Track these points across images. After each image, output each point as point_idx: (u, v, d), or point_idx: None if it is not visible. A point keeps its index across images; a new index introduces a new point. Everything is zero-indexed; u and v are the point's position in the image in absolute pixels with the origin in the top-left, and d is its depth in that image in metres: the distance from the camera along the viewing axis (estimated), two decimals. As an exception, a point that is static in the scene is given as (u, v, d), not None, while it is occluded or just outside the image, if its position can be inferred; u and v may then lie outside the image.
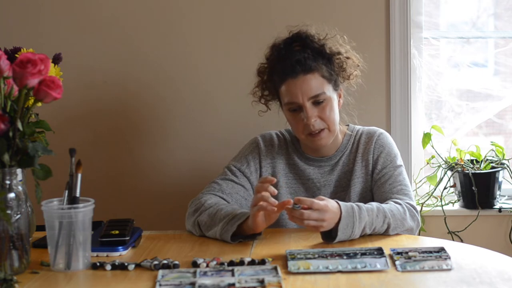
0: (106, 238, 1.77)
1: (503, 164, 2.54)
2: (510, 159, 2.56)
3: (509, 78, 2.73)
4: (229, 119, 2.56)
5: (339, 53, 2.07)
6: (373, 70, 2.40)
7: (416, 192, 2.59)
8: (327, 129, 2.02)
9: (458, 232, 2.54)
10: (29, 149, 1.57)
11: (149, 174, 2.60)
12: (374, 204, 1.88)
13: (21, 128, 1.57)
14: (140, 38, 2.56)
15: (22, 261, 1.61)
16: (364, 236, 1.85)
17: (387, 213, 1.86)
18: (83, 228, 1.63)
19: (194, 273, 1.56)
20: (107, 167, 2.60)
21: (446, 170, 2.56)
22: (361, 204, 1.86)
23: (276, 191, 1.80)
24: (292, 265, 1.60)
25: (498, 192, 2.54)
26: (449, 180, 2.57)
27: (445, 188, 2.57)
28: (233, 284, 1.48)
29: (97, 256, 1.73)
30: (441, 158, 2.58)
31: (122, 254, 1.76)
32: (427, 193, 2.59)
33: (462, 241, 2.50)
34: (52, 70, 1.84)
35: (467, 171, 2.50)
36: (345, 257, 1.65)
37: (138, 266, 1.65)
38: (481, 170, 2.52)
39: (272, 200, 1.77)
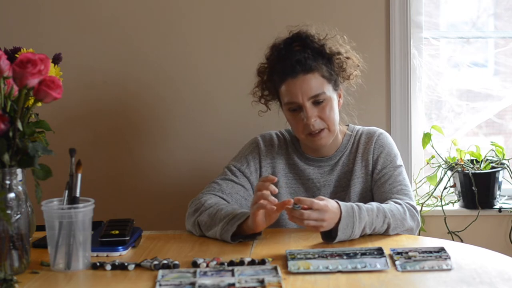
0: (106, 238, 1.77)
1: (503, 164, 2.54)
2: (510, 159, 2.56)
3: (509, 78, 2.73)
4: (229, 119, 2.56)
5: (339, 53, 2.08)
6: (373, 70, 2.40)
7: (416, 192, 2.59)
8: (327, 129, 2.02)
9: (458, 232, 2.54)
10: (29, 149, 1.57)
11: (149, 174, 2.60)
12: (374, 204, 1.88)
13: (21, 128, 1.57)
14: (140, 38, 2.56)
15: (22, 261, 1.61)
16: (364, 236, 1.85)
17: (387, 213, 1.86)
18: (83, 228, 1.63)
19: (194, 273, 1.56)
20: (107, 167, 2.60)
21: (446, 170, 2.57)
22: (361, 204, 1.86)
23: (276, 190, 1.80)
24: (292, 265, 1.60)
25: (498, 192, 2.54)
26: (449, 180, 2.57)
27: (445, 188, 2.57)
28: (233, 284, 1.48)
29: (97, 256, 1.73)
30: (441, 158, 2.58)
31: (122, 254, 1.76)
32: (427, 193, 2.59)
33: (462, 241, 2.50)
34: (52, 70, 1.84)
35: (467, 171, 2.50)
36: (345, 257, 1.65)
37: (138, 266, 1.65)
38: (481, 170, 2.52)
39: (272, 198, 1.77)
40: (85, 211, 1.63)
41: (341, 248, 1.72)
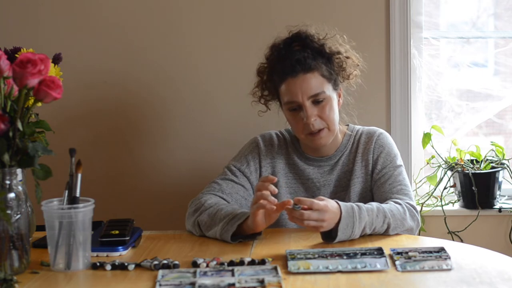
0: (106, 238, 1.77)
1: (503, 164, 2.54)
2: (510, 159, 2.56)
3: (509, 78, 2.73)
4: (229, 119, 2.56)
5: (338, 53, 2.08)
6: (373, 70, 2.40)
7: (416, 192, 2.59)
8: (326, 128, 2.02)
9: (458, 232, 2.54)
10: (29, 149, 1.57)
11: (149, 174, 2.60)
12: (374, 204, 1.88)
13: (21, 128, 1.57)
14: (140, 38, 2.56)
15: (22, 261, 1.61)
16: (364, 236, 1.85)
17: (387, 213, 1.86)
18: (83, 228, 1.63)
19: (194, 273, 1.56)
20: (107, 167, 2.60)
21: (446, 170, 2.56)
22: (361, 204, 1.86)
23: (276, 190, 1.80)
24: (292, 265, 1.60)
25: (498, 192, 2.54)
26: (449, 180, 2.57)
27: (445, 188, 2.57)
28: (233, 284, 1.48)
29: (97, 256, 1.73)
30: (441, 158, 2.58)
31: (122, 254, 1.76)
32: (427, 193, 2.59)
33: (462, 241, 2.50)
34: (52, 70, 1.84)
35: (467, 171, 2.50)
36: (345, 257, 1.65)
37: (138, 266, 1.65)
38: (481, 170, 2.52)
39: (272, 198, 1.77)
40: (85, 211, 1.63)
41: (341, 248, 1.72)
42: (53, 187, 1.77)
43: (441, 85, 2.65)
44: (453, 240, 2.49)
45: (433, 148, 2.57)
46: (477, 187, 2.49)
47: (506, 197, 2.62)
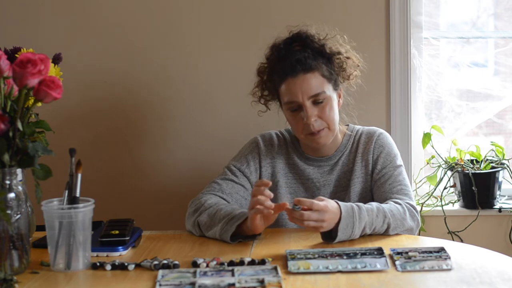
0: (106, 238, 1.77)
1: (503, 164, 2.54)
2: (510, 159, 2.56)
3: (509, 78, 2.73)
4: (229, 119, 2.56)
5: (339, 53, 2.08)
6: (373, 70, 2.40)
7: (416, 192, 2.59)
8: (327, 128, 2.02)
9: (458, 232, 2.54)
10: (29, 149, 1.57)
11: (149, 174, 2.60)
12: (374, 204, 1.88)
13: (21, 128, 1.57)
14: (140, 38, 2.56)
15: (22, 261, 1.61)
16: (364, 236, 1.85)
17: (387, 213, 1.86)
18: (83, 228, 1.63)
19: (194, 273, 1.56)
20: (107, 167, 2.60)
21: (446, 170, 2.56)
22: (361, 204, 1.86)
23: (272, 195, 1.79)
24: (292, 265, 1.60)
25: (498, 192, 2.54)
26: (449, 180, 2.57)
27: (445, 188, 2.57)
28: (233, 284, 1.48)
29: (97, 256, 1.73)
30: (441, 158, 2.58)
31: (122, 254, 1.76)
32: (427, 193, 2.59)
33: (462, 241, 2.50)
34: (52, 70, 1.84)
35: (467, 171, 2.50)
36: (345, 257, 1.65)
37: (138, 266, 1.65)
38: (481, 170, 2.52)
39: (269, 203, 1.77)
40: (85, 211, 1.63)
41: (341, 248, 1.72)
42: (53, 187, 1.77)
43: (441, 85, 2.65)
44: (453, 240, 2.49)
45: (433, 148, 2.57)
46: (477, 187, 2.49)
47: (506, 197, 2.62)
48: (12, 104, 1.59)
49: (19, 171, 1.68)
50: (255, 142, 2.14)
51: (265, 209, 1.77)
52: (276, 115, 2.17)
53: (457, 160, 2.55)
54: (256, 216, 1.79)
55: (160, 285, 1.50)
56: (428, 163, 2.60)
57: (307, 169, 2.11)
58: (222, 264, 1.63)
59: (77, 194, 1.66)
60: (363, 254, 1.66)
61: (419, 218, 1.96)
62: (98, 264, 1.64)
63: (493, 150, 2.57)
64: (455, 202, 2.60)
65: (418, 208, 2.41)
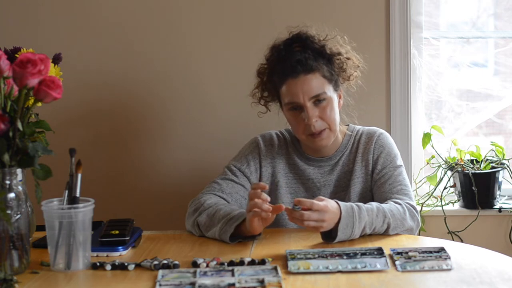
0: (106, 238, 1.77)
1: (503, 164, 2.54)
2: (510, 159, 2.56)
3: (509, 78, 2.73)
4: (229, 119, 2.56)
5: (339, 54, 2.07)
6: (373, 70, 2.40)
7: (416, 192, 2.59)
8: (328, 129, 2.02)
9: (458, 232, 2.54)
10: (29, 149, 1.57)
11: (149, 174, 2.60)
12: (374, 204, 1.88)
13: (21, 128, 1.57)
14: (140, 38, 2.56)
15: (22, 261, 1.61)
16: (364, 236, 1.85)
17: (387, 213, 1.86)
18: (83, 228, 1.63)
19: (194, 273, 1.56)
20: (107, 167, 2.60)
21: (446, 170, 2.56)
22: (361, 204, 1.86)
23: (269, 198, 1.79)
24: (292, 265, 1.60)
25: (498, 192, 2.54)
26: (449, 180, 2.57)
27: (445, 188, 2.57)
28: (233, 284, 1.48)
29: (97, 256, 1.73)
30: (441, 158, 2.58)
31: (122, 254, 1.76)
32: (427, 193, 2.59)
33: (462, 241, 2.50)
34: (52, 70, 1.84)
35: (467, 171, 2.50)
36: (345, 257, 1.65)
37: (138, 266, 1.65)
38: (481, 170, 2.52)
39: (266, 206, 1.77)
40: (85, 211, 1.63)
41: (341, 248, 1.72)
42: (53, 187, 1.77)
43: (441, 85, 2.65)
44: (453, 240, 2.49)
45: (433, 148, 2.57)
46: (477, 187, 2.49)
47: (506, 197, 2.62)
48: (12, 104, 1.59)
49: (19, 171, 1.68)
50: (255, 142, 2.14)
51: (263, 212, 1.77)
52: (276, 116, 2.16)
53: (457, 160, 2.55)
54: (254, 219, 1.79)
55: (160, 285, 1.50)
56: (428, 163, 2.60)
57: (308, 169, 2.11)
58: (222, 264, 1.63)
59: (77, 194, 1.66)
60: (363, 254, 1.66)
61: (419, 218, 1.96)
62: (98, 264, 1.64)
63: (493, 150, 2.57)
64: (455, 202, 2.60)
65: (418, 208, 2.41)
